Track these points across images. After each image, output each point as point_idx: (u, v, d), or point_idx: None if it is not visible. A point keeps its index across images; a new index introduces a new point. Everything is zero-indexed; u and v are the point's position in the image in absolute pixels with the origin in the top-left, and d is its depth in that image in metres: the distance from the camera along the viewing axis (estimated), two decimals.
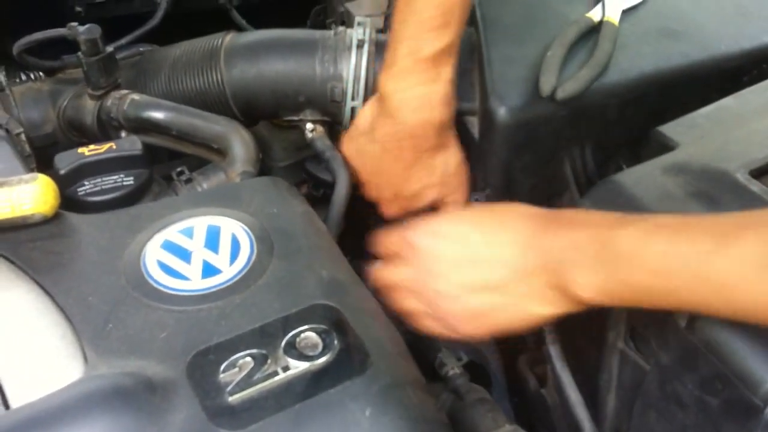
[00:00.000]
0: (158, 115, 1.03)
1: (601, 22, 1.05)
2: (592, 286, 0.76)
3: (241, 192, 0.90)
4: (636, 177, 0.94)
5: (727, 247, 0.68)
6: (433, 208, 1.07)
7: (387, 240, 0.95)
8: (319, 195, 1.26)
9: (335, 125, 1.16)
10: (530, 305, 0.81)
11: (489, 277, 0.82)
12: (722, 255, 0.68)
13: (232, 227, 0.83)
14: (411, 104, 0.97)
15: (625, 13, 1.08)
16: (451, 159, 1.04)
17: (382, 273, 0.93)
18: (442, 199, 1.06)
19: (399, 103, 0.98)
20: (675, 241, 0.72)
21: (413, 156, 1.01)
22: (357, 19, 1.11)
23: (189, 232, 0.82)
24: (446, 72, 0.97)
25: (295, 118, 1.12)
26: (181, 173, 1.00)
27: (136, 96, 1.06)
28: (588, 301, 0.78)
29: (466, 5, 0.95)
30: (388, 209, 1.09)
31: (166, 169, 1.03)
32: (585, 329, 0.98)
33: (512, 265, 0.81)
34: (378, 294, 0.90)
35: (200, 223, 0.83)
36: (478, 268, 0.83)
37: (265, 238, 0.82)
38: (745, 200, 0.86)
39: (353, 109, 1.09)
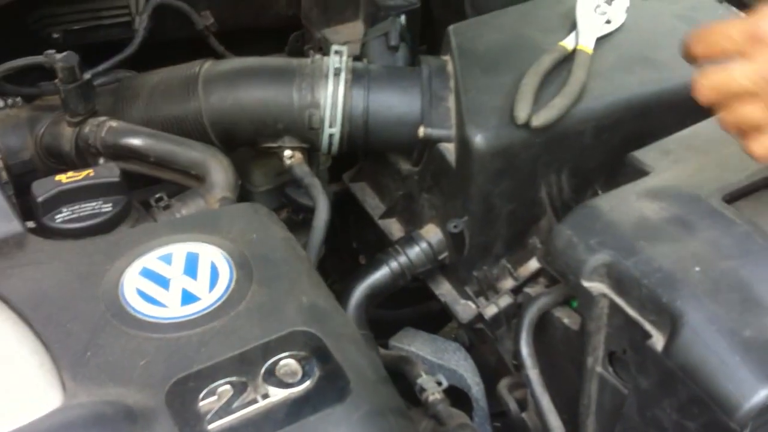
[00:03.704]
0: (136, 141, 1.03)
1: (575, 51, 1.06)
2: None
3: (220, 218, 0.90)
4: (612, 202, 0.95)
5: None
6: None
7: (721, 34, 0.77)
8: (299, 220, 1.27)
9: (313, 151, 1.16)
10: None
11: None
12: None
13: (211, 254, 0.83)
14: None
15: (600, 40, 1.10)
16: None
17: (716, 75, 0.77)
18: None
19: None
20: None
21: None
22: (333, 47, 1.12)
23: (168, 259, 0.82)
24: None
25: (274, 145, 1.12)
26: (159, 199, 1.00)
27: (113, 123, 1.06)
28: None
29: None
30: None
31: (144, 195, 1.03)
32: (564, 354, 0.99)
33: None
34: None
35: (179, 249, 0.83)
36: None
37: (245, 265, 0.82)
38: (719, 226, 0.88)
39: (331, 136, 1.10)
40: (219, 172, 1.01)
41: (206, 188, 1.00)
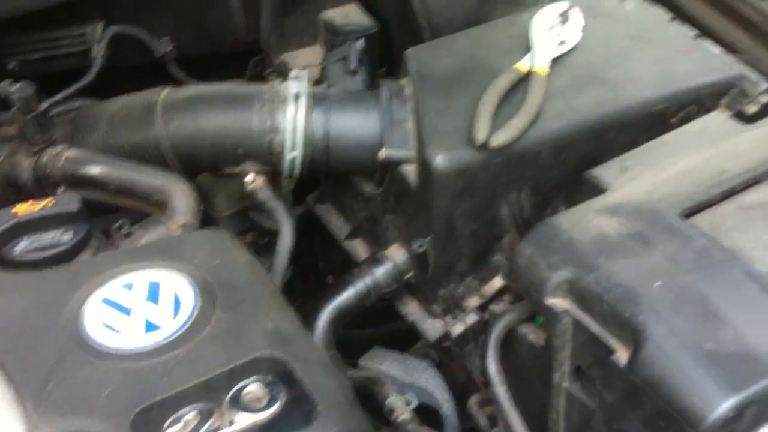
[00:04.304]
0: (95, 170, 1.03)
1: (530, 72, 1.08)
2: None
3: (182, 245, 0.90)
4: (572, 220, 0.96)
5: None
6: None
7: None
8: (263, 243, 1.26)
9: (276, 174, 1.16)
10: None
11: None
12: None
13: (174, 281, 0.82)
14: None
15: (555, 61, 1.11)
16: None
17: None
18: None
19: None
20: None
21: None
22: (293, 72, 1.12)
23: (129, 287, 0.81)
24: None
25: (235, 169, 1.12)
26: (120, 227, 0.99)
27: (72, 152, 1.06)
28: None
29: None
30: None
31: (106, 222, 1.02)
32: (532, 370, 0.99)
33: None
34: None
35: (141, 277, 0.83)
36: None
37: (208, 291, 0.81)
38: (677, 241, 0.89)
39: (292, 160, 1.10)
40: (180, 198, 1.01)
41: (168, 215, 1.00)
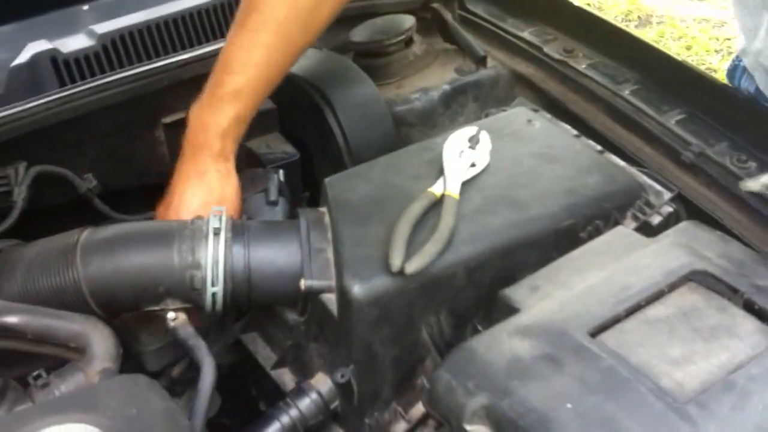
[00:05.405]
0: (11, 319, 1.01)
1: (442, 196, 1.11)
2: None
3: (98, 394, 0.89)
4: (487, 343, 0.98)
5: None
6: None
7: None
8: (191, 376, 1.25)
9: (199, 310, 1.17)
10: None
11: None
12: None
13: None
14: None
15: (466, 184, 1.15)
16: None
17: None
18: None
19: None
20: None
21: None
22: (213, 207, 1.14)
23: None
24: None
25: (156, 308, 1.12)
26: (38, 377, 0.98)
27: None
28: None
29: None
30: None
31: (25, 368, 1.01)
32: None
33: None
34: None
35: None
36: None
37: None
38: (586, 361, 0.91)
39: (214, 295, 1.11)
40: (99, 343, 1.01)
41: (86, 361, 0.99)
